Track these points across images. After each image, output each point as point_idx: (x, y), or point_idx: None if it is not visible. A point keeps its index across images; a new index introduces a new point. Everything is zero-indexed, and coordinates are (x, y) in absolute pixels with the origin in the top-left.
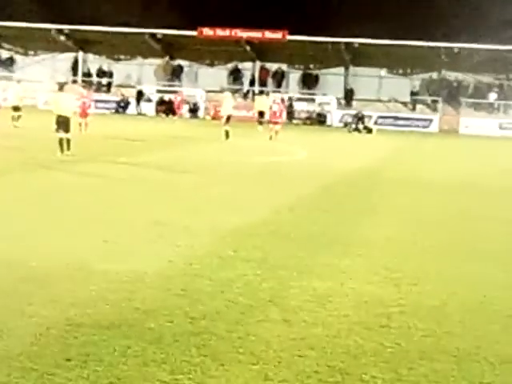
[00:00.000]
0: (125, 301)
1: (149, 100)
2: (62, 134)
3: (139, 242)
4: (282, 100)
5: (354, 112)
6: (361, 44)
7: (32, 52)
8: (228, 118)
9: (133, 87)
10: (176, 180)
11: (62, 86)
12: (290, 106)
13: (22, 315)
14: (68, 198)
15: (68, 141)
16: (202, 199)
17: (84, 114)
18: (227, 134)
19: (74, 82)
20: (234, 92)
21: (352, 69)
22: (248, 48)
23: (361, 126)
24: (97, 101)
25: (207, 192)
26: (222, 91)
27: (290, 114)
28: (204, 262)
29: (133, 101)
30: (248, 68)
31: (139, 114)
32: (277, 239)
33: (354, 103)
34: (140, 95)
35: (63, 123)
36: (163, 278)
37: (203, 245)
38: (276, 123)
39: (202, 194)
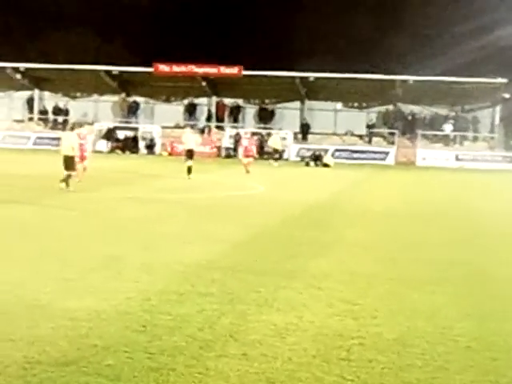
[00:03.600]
0: (83, 337)
1: (105, 137)
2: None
3: (98, 278)
4: (252, 135)
5: (310, 146)
6: (316, 78)
7: None
8: (190, 154)
9: (90, 124)
10: (131, 215)
11: (72, 127)
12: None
13: None
14: (25, 234)
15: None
16: (158, 234)
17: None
18: (189, 170)
19: (30, 119)
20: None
21: (308, 103)
22: (204, 83)
23: (318, 163)
24: (53, 138)
25: (163, 227)
26: (179, 127)
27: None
28: (162, 297)
29: (90, 137)
30: (204, 103)
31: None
32: (235, 273)
33: (310, 137)
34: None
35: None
36: (122, 314)
37: (161, 280)
38: (249, 156)
39: (158, 228)
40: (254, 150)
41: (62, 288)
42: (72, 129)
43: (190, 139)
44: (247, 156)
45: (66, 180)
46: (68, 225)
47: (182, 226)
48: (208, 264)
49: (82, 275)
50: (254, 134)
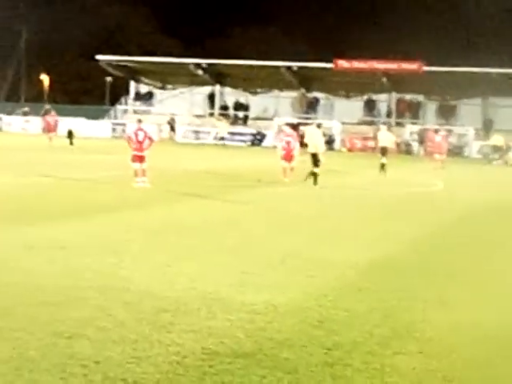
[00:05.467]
0: (261, 331)
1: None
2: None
3: (275, 273)
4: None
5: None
6: (498, 74)
7: (170, 86)
8: (384, 151)
9: (270, 120)
10: (307, 211)
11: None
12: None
13: (160, 344)
14: (205, 228)
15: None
16: (334, 230)
17: (289, 158)
18: (382, 167)
19: (211, 114)
20: (369, 124)
21: (491, 99)
22: (384, 79)
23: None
24: (233, 133)
25: (340, 223)
26: (358, 123)
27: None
28: (339, 293)
29: (270, 133)
30: (383, 99)
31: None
32: (412, 271)
33: (494, 134)
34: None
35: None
36: (299, 308)
37: (338, 276)
38: (440, 154)
39: (335, 225)
40: (445, 146)
41: (240, 282)
42: (319, 126)
43: (384, 137)
44: (440, 153)
45: (313, 176)
46: (246, 220)
47: (358, 223)
48: (385, 261)
49: (259, 269)
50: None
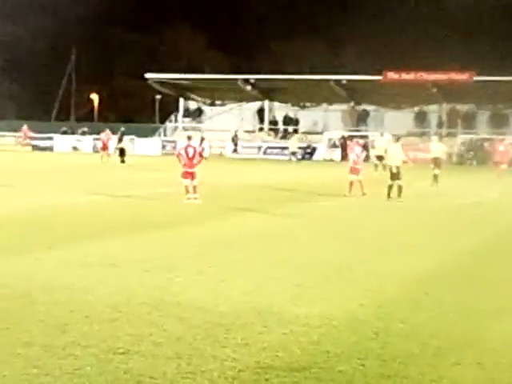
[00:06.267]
0: (315, 344)
1: (334, 145)
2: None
3: (330, 285)
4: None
5: None
6: None
7: (219, 102)
8: (436, 162)
9: (319, 133)
10: (362, 223)
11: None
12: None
13: (215, 359)
14: (259, 241)
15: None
16: (388, 243)
17: (356, 171)
18: (435, 178)
19: (261, 129)
20: (420, 135)
21: None
22: (434, 90)
23: None
24: (283, 148)
25: (393, 235)
26: (409, 135)
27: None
28: (395, 305)
29: (321, 146)
30: (434, 110)
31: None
32: (469, 282)
33: None
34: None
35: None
36: (354, 321)
37: (393, 288)
38: (501, 163)
39: (389, 237)
40: (508, 156)
41: (294, 294)
42: (397, 140)
43: (436, 148)
44: (502, 163)
45: (387, 189)
46: (299, 233)
47: (411, 235)
48: (441, 272)
49: (314, 282)
50: None
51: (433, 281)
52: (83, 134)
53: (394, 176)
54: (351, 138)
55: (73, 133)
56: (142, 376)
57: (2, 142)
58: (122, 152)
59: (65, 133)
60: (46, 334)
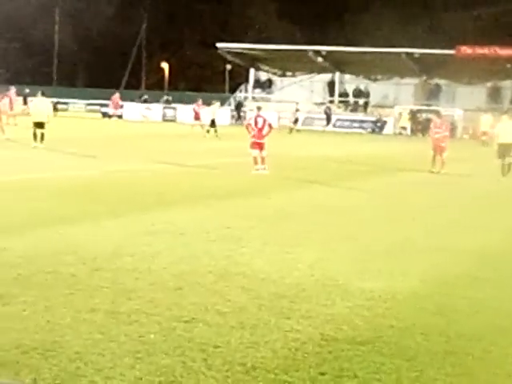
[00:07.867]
0: (379, 317)
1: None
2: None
3: (392, 260)
4: None
5: None
6: None
7: (289, 73)
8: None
9: (390, 107)
10: (430, 201)
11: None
12: None
13: (279, 330)
14: (325, 217)
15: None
16: (454, 219)
17: (439, 149)
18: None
19: (331, 102)
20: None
21: None
22: (508, 65)
23: None
24: (353, 121)
25: (461, 212)
26: (481, 110)
27: None
28: (459, 281)
29: (390, 120)
30: (508, 86)
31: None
32: None
33: None
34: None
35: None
36: (418, 296)
37: (457, 264)
38: None
39: (454, 214)
40: None
41: (357, 269)
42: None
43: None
44: None
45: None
46: (361, 207)
47: (476, 213)
48: (503, 250)
49: (376, 257)
50: None
51: (496, 257)
52: (167, 102)
53: (506, 153)
54: (420, 112)
55: (157, 101)
56: (206, 345)
57: (73, 109)
58: (212, 123)
59: (145, 101)
60: (111, 301)
